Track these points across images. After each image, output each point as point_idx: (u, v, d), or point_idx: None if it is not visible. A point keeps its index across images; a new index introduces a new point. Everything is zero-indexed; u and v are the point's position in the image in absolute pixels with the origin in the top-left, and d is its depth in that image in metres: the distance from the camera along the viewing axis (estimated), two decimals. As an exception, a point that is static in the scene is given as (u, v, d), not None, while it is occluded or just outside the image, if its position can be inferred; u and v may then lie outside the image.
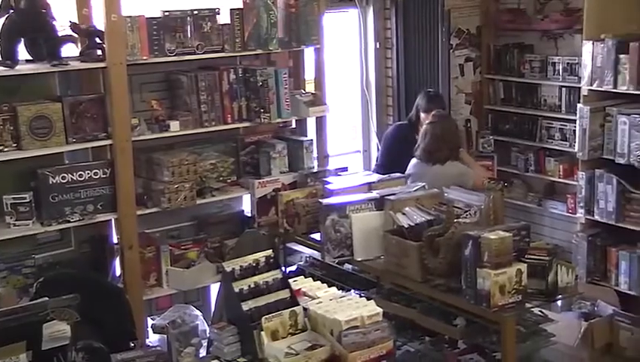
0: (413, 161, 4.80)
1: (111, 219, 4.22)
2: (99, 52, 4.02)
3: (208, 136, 4.53)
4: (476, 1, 5.99)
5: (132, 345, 3.30)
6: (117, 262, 4.24)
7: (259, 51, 4.50)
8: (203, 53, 4.31)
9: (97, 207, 4.11)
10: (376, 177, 4.12)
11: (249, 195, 4.49)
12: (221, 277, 3.57)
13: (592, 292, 4.91)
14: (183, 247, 4.47)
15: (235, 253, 4.00)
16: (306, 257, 4.30)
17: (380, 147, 5.47)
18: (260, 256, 3.11)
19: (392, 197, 3.66)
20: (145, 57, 4.12)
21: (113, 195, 4.13)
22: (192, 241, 4.53)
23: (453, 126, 4.91)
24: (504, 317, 3.09)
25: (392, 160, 5.02)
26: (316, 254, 4.03)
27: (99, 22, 4.04)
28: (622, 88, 4.82)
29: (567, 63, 5.60)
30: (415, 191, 3.81)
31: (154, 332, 3.62)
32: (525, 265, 3.11)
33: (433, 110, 5.00)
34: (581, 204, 5.18)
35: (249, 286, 2.99)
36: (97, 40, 4.02)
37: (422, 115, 5.14)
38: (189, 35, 4.25)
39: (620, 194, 4.93)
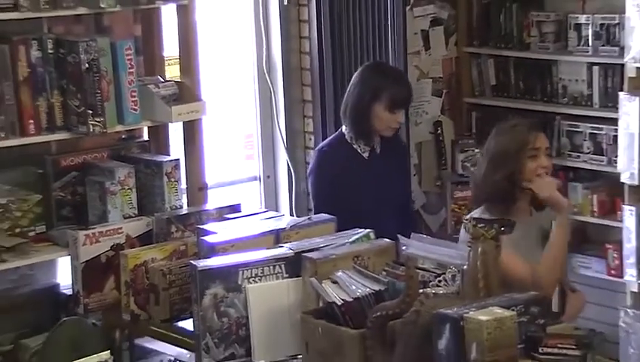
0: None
1: None
2: None
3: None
4: None
5: None
6: None
7: (82, 10, 4.46)
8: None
9: None
10: (287, 221, 4.07)
11: (68, 258, 4.36)
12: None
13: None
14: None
15: (43, 360, 4.09)
16: (170, 361, 4.34)
17: (312, 196, 5.18)
18: (89, 362, 3.07)
19: (314, 255, 3.63)
20: None
21: None
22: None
23: None
24: None
25: (342, 209, 4.57)
26: (187, 355, 4.05)
27: None
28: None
29: (601, 26, 5.63)
30: (354, 241, 3.85)
31: None
32: (540, 364, 3.14)
33: (406, 103, 5.00)
34: (631, 261, 5.26)
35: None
36: None
37: (381, 111, 4.88)
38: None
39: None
